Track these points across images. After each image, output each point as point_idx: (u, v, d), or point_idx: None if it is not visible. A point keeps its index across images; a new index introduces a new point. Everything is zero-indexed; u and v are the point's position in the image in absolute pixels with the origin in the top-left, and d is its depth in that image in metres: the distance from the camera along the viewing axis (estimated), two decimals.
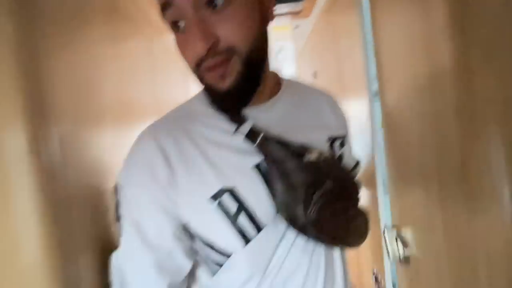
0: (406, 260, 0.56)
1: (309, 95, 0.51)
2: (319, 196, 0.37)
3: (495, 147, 0.33)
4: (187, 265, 0.39)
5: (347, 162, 0.48)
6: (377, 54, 0.63)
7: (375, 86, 0.66)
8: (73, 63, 0.46)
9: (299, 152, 0.39)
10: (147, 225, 0.36)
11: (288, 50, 2.66)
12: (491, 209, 0.33)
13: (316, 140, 0.44)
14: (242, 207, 0.37)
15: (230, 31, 0.33)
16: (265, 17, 0.38)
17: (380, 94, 0.63)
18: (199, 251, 0.40)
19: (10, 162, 0.42)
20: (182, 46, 0.35)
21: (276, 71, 0.47)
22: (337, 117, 0.50)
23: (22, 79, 0.39)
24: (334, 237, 0.41)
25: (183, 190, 0.37)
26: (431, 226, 0.49)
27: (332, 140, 0.46)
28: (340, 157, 0.47)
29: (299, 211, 0.37)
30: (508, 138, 0.30)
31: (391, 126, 0.61)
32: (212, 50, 0.32)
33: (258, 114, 0.41)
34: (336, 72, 1.04)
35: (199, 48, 0.32)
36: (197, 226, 0.38)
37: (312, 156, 0.39)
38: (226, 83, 0.35)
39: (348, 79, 0.91)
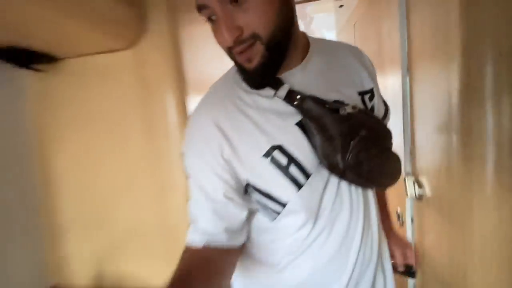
0: (419, 198, 0.74)
1: (337, 52, 0.55)
2: (355, 144, 0.44)
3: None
4: (240, 215, 0.45)
5: (378, 111, 0.56)
6: (409, 36, 0.77)
7: (406, 63, 0.80)
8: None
9: (334, 107, 0.45)
10: (205, 184, 0.45)
11: (330, 26, 2.69)
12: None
13: (348, 96, 0.49)
14: (291, 159, 0.44)
15: (251, 21, 0.39)
16: (287, 2, 0.43)
17: (410, 70, 0.78)
18: (259, 202, 0.47)
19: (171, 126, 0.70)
20: (216, 36, 0.42)
21: (304, 32, 0.51)
22: (365, 68, 0.54)
23: (175, 63, 0.69)
24: (370, 179, 0.47)
25: (240, 153, 0.44)
26: (437, 175, 0.66)
27: (362, 94, 0.52)
28: (372, 108, 0.53)
29: (338, 158, 0.43)
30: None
31: (418, 98, 0.77)
32: (237, 39, 0.39)
33: (293, 77, 0.47)
34: (376, 49, 1.15)
35: (227, 39, 0.39)
36: (255, 181, 0.45)
37: (346, 110, 0.45)
38: (252, 64, 0.41)
39: (386, 57, 1.03)
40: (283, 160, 0.44)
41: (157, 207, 0.83)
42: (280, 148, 0.44)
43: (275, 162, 0.44)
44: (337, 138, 0.44)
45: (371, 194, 0.53)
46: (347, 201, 0.48)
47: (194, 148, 0.46)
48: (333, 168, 0.45)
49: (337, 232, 0.48)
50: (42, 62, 0.73)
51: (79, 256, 0.87)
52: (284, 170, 0.44)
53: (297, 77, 0.47)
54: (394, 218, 0.82)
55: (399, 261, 0.67)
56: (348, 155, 0.44)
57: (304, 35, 0.51)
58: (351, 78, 0.53)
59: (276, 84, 0.45)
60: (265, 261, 0.51)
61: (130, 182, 0.84)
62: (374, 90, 0.54)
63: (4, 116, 0.75)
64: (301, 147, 0.44)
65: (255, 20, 0.39)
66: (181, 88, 0.80)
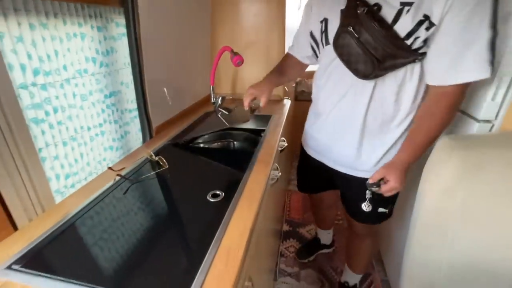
0: None
1: None
2: (339, 32, 0.71)
3: None
4: (307, 48, 0.91)
5: (401, 30, 0.64)
6: None
7: None
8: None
9: (367, 4, 0.66)
10: (300, 24, 0.95)
11: None
12: None
13: (389, 2, 0.64)
14: (326, 27, 0.78)
15: None
16: None
17: None
18: (312, 44, 0.88)
19: None
20: None
21: None
22: None
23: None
24: (345, 61, 0.73)
25: (313, 17, 0.84)
26: None
27: (404, 5, 0.63)
28: (395, 20, 0.64)
29: (331, 38, 0.77)
30: None
31: None
32: None
33: None
34: None
35: None
36: (314, 31, 0.84)
37: (359, 10, 0.66)
38: None
39: None
40: (324, 26, 0.79)
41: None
42: (325, 20, 0.78)
43: (322, 24, 0.80)
44: (339, 25, 0.72)
45: (370, 83, 0.74)
46: (346, 79, 0.76)
47: (305, 4, 0.91)
48: (332, 44, 0.75)
49: (330, 87, 0.85)
50: None
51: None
52: (324, 30, 0.80)
53: None
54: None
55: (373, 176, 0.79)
56: (335, 37, 0.73)
57: None
58: None
59: None
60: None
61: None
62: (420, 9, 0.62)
63: (203, 6, 1.47)
64: (334, 24, 0.75)
65: None
66: None
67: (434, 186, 0.73)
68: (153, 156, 0.88)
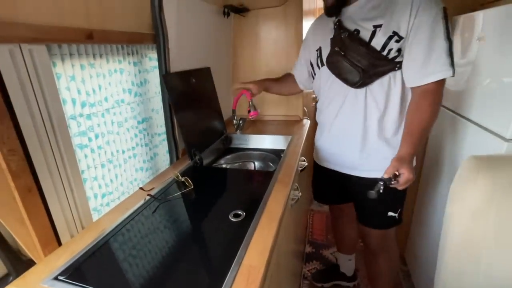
0: None
1: None
2: (330, 53, 0.95)
3: None
4: (304, 73, 1.19)
5: (377, 45, 0.84)
6: None
7: None
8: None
9: (348, 31, 0.89)
10: (301, 52, 1.20)
11: None
12: None
13: (364, 27, 0.86)
14: (321, 52, 1.00)
15: None
16: None
17: None
18: (310, 70, 1.10)
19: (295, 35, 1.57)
20: None
21: None
22: (409, 13, 0.79)
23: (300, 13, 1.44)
24: (337, 75, 0.94)
25: (310, 48, 1.08)
26: None
27: (376, 27, 0.83)
28: (370, 40, 0.84)
29: (324, 57, 0.99)
30: None
31: None
32: None
33: (346, 10, 0.92)
34: None
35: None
36: (312, 59, 1.06)
37: (343, 35, 0.89)
38: (328, 3, 0.92)
39: None
40: (318, 53, 1.02)
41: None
42: (320, 49, 1.01)
43: (317, 53, 1.02)
44: (330, 49, 0.95)
45: (361, 92, 0.93)
46: (341, 93, 0.97)
47: (304, 39, 1.17)
48: (326, 63, 0.99)
49: (328, 101, 1.04)
50: (244, 11, 1.52)
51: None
52: (319, 56, 1.01)
53: (347, 11, 0.92)
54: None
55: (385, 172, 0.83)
56: (327, 57, 0.97)
57: None
58: (377, 16, 0.84)
59: (338, 14, 0.93)
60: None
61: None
62: (397, 30, 0.82)
63: (225, 34, 1.57)
64: (326, 50, 0.97)
65: None
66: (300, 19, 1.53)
67: (462, 208, 0.70)
68: (180, 177, 0.94)
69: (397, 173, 0.81)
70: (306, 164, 1.28)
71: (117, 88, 0.89)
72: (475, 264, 0.70)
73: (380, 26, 0.83)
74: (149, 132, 1.07)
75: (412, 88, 0.86)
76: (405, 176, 0.81)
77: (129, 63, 0.94)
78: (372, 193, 0.77)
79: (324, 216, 2.02)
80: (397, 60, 0.85)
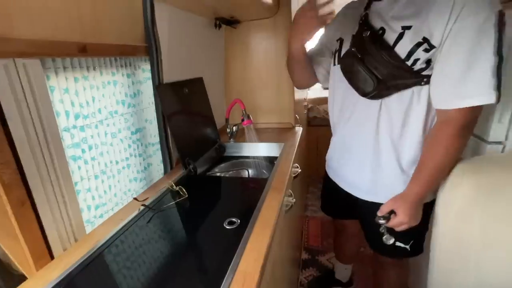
0: None
1: None
2: (345, 53, 0.81)
3: None
4: (325, 59, 0.99)
5: (401, 51, 0.67)
6: None
7: None
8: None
9: (372, 29, 0.73)
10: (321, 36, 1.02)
11: None
12: None
13: (391, 27, 0.70)
14: (341, 45, 0.86)
15: None
16: None
17: None
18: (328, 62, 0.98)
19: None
20: None
21: None
22: (447, 16, 0.60)
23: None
24: (348, 79, 0.79)
25: (331, 33, 0.93)
26: None
27: (404, 29, 0.67)
28: (394, 44, 0.68)
29: (337, 57, 0.87)
30: None
31: None
32: None
33: (374, 4, 0.76)
34: None
35: None
36: (332, 47, 0.93)
37: (364, 34, 0.73)
38: None
39: None
40: (340, 44, 0.87)
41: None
42: (341, 39, 0.86)
43: (339, 43, 0.87)
44: (350, 45, 0.79)
45: (375, 105, 0.76)
46: (351, 97, 0.81)
47: (331, 20, 0.90)
48: (339, 62, 0.85)
49: (339, 107, 0.91)
50: (235, 23, 1.56)
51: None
52: (339, 49, 0.87)
53: (376, 5, 0.76)
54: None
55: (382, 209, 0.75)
56: (340, 56, 0.83)
57: None
58: (408, 15, 0.67)
59: (368, 6, 0.78)
60: None
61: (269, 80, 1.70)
62: (426, 39, 0.65)
63: (217, 45, 1.60)
64: (347, 42, 0.82)
65: None
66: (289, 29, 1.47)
67: (449, 210, 0.73)
68: (174, 186, 0.94)
69: (393, 212, 0.72)
70: (299, 170, 1.30)
71: (110, 99, 0.90)
72: (465, 264, 0.72)
73: (409, 28, 0.66)
74: (142, 142, 1.08)
75: (438, 111, 0.69)
76: (399, 218, 0.71)
77: (123, 75, 0.95)
78: (379, 222, 0.72)
79: (319, 222, 2.02)
80: (424, 73, 0.68)
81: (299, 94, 1.90)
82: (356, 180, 0.88)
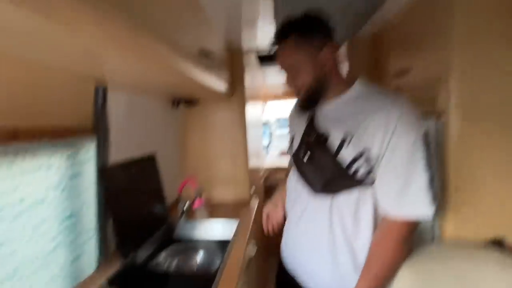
0: None
1: (370, 103, 0.69)
2: (297, 150, 0.82)
3: None
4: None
5: (343, 159, 0.69)
6: None
7: None
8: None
9: (316, 133, 0.75)
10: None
11: None
12: None
13: (333, 135, 0.72)
14: (292, 141, 0.86)
15: (296, 80, 0.76)
16: (322, 64, 0.73)
17: None
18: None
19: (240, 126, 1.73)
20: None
21: (348, 80, 0.77)
22: (383, 131, 0.64)
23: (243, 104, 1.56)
24: (302, 177, 0.80)
25: (289, 127, 0.94)
26: None
27: (343, 140, 0.70)
28: (337, 153, 0.70)
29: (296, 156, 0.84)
30: None
31: None
32: (289, 87, 0.79)
33: (321, 107, 0.78)
34: None
35: (286, 85, 0.80)
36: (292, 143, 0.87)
37: (307, 140, 0.78)
38: (299, 99, 0.80)
39: None
40: (291, 140, 0.88)
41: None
42: (293, 137, 0.86)
43: (291, 139, 0.88)
44: (299, 143, 0.82)
45: (325, 200, 0.75)
46: (304, 195, 0.80)
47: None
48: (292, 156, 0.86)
49: (292, 200, 0.87)
50: (193, 103, 1.61)
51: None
52: (291, 143, 0.88)
53: (323, 107, 0.78)
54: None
55: None
56: (295, 150, 0.83)
57: (344, 81, 0.77)
58: (350, 125, 0.70)
59: (312, 109, 0.80)
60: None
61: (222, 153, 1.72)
62: (368, 152, 0.68)
63: (174, 122, 1.62)
64: (296, 141, 0.84)
65: (296, 81, 0.76)
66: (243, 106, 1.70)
67: None
68: (107, 286, 0.79)
69: None
70: (256, 249, 1.23)
71: (39, 185, 0.80)
72: None
73: (351, 138, 0.68)
74: (73, 230, 0.93)
75: (382, 216, 0.70)
76: None
77: (61, 156, 0.87)
78: None
79: None
80: (367, 180, 0.69)
81: (255, 163, 1.95)
82: (316, 277, 0.79)
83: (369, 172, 0.68)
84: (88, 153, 0.99)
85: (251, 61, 1.87)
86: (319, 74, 0.73)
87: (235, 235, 1.16)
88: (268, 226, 0.98)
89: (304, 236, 0.80)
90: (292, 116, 0.93)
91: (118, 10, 0.45)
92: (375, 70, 1.45)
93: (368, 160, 0.67)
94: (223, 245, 1.18)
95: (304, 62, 0.72)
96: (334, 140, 0.71)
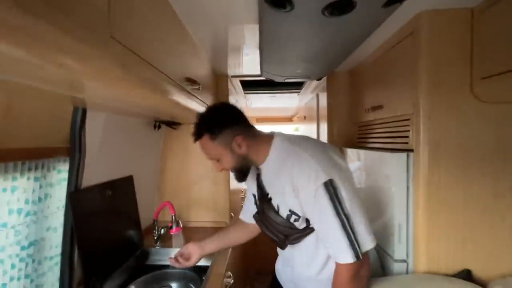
0: None
1: (283, 165, 0.76)
2: (258, 210, 0.91)
3: None
4: (252, 208, 0.95)
5: (284, 216, 0.78)
6: None
7: None
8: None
9: (263, 194, 0.86)
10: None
11: None
12: None
13: (272, 195, 0.82)
14: (255, 199, 0.91)
15: (221, 165, 0.83)
16: (237, 150, 0.79)
17: None
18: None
19: None
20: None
21: (268, 139, 0.83)
22: (293, 194, 0.73)
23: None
24: (260, 226, 0.88)
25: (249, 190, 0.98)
26: None
27: (277, 200, 0.80)
28: (278, 209, 0.80)
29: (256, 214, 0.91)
30: None
31: None
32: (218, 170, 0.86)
33: (261, 168, 0.85)
34: None
35: (217, 168, 0.85)
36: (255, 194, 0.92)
37: (258, 195, 0.88)
38: (233, 173, 0.86)
39: None
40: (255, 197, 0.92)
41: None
42: (254, 194, 0.92)
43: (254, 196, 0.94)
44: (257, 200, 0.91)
45: (289, 250, 0.85)
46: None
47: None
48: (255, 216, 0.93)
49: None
50: (174, 124, 1.59)
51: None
52: (256, 201, 0.93)
53: (263, 169, 0.85)
54: None
55: None
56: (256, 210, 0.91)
57: (267, 147, 0.82)
58: (276, 191, 0.81)
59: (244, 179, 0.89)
60: None
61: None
62: (289, 204, 0.77)
63: (154, 144, 1.58)
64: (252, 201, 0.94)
65: (223, 165, 0.83)
66: None
67: None
68: None
69: None
70: (232, 281, 1.18)
71: (1, 210, 0.74)
72: None
73: (279, 201, 0.80)
74: (35, 258, 0.86)
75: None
76: None
77: (28, 178, 0.82)
78: None
79: None
80: (311, 227, 0.77)
81: (236, 184, 1.93)
82: None
83: (308, 222, 0.76)
84: (59, 175, 0.94)
85: (236, 85, 1.92)
86: (238, 157, 0.80)
87: (212, 264, 1.12)
88: (177, 263, 0.94)
89: (285, 272, 0.92)
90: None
91: (104, 45, 0.46)
92: (354, 101, 1.54)
93: (298, 215, 0.76)
94: (199, 272, 1.13)
95: (221, 153, 0.80)
96: (274, 200, 0.82)
